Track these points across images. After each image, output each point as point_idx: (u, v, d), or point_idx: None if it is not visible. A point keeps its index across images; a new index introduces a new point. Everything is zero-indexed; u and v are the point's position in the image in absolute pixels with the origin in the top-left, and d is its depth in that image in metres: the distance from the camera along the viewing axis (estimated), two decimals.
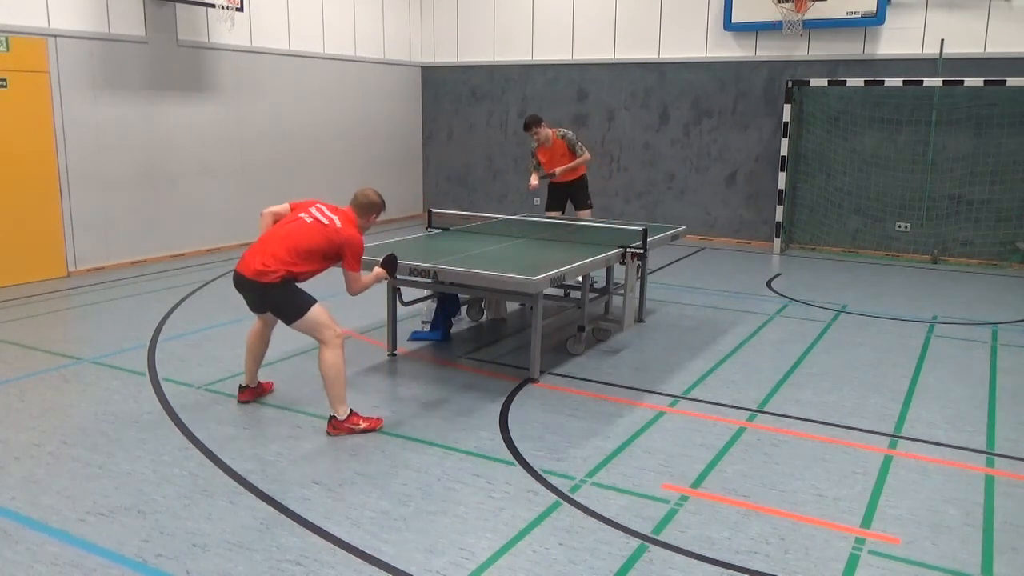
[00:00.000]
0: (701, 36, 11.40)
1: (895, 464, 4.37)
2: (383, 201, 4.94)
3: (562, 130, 8.00)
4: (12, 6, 8.11)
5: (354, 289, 4.74)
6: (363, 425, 4.68)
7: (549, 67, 12.62)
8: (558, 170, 7.89)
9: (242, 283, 4.67)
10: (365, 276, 4.78)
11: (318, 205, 4.79)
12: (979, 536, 3.64)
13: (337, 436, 4.62)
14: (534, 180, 8.06)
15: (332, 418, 4.67)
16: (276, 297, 4.61)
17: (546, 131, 7.87)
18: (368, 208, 4.87)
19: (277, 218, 4.83)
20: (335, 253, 4.64)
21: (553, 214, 8.24)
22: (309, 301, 4.63)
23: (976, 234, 10.16)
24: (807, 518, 3.77)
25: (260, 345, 5.06)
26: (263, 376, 5.34)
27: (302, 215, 4.71)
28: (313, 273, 4.69)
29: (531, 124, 7.86)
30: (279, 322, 4.89)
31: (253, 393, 5.15)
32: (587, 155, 8.00)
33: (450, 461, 4.31)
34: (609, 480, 4.12)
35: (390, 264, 5.00)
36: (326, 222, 4.65)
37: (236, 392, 5.20)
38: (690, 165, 11.82)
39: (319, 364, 4.61)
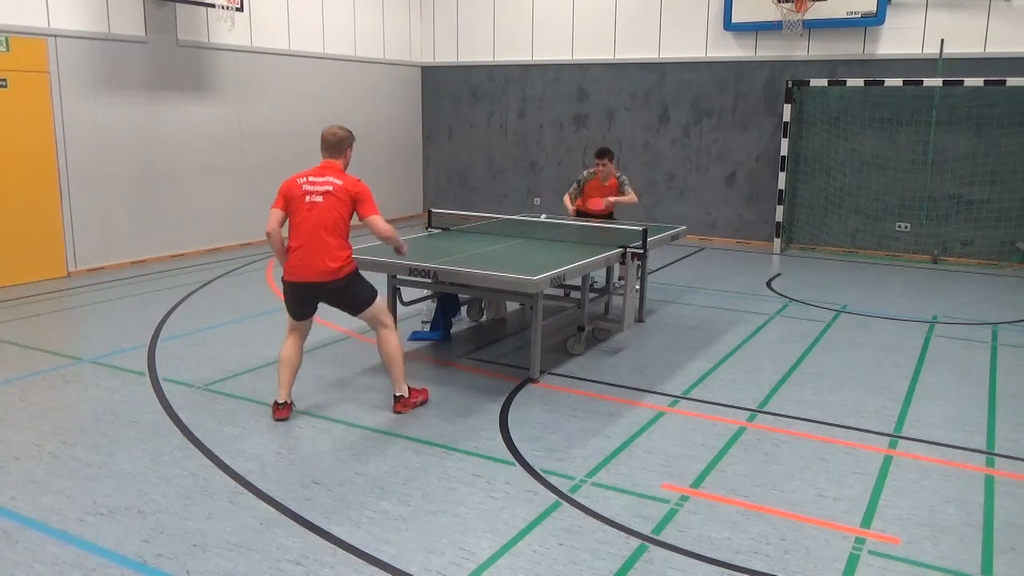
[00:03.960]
0: (701, 36, 11.40)
1: (895, 464, 4.37)
2: (350, 132, 4.87)
3: (619, 172, 7.84)
4: (12, 6, 8.11)
5: (383, 228, 4.76)
6: (420, 398, 5.00)
7: (549, 67, 12.62)
8: (609, 200, 7.62)
9: (314, 290, 4.69)
10: (383, 220, 4.83)
11: (302, 180, 4.68)
12: (979, 536, 3.64)
13: (403, 413, 4.89)
14: (572, 207, 7.86)
15: (400, 398, 4.88)
16: (354, 288, 4.77)
17: (611, 167, 7.68)
18: (339, 144, 4.79)
19: (279, 222, 4.75)
20: (354, 210, 4.73)
21: None
22: (375, 290, 4.91)
23: (976, 234, 10.16)
24: (807, 518, 3.77)
25: (298, 357, 4.91)
26: (260, 378, 5.34)
27: (307, 199, 4.64)
28: None
29: (606, 154, 7.62)
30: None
31: (290, 409, 4.91)
32: (634, 197, 7.71)
33: (450, 461, 4.31)
34: (609, 480, 4.12)
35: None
36: (329, 188, 4.65)
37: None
38: (690, 165, 11.82)
39: (385, 347, 4.86)
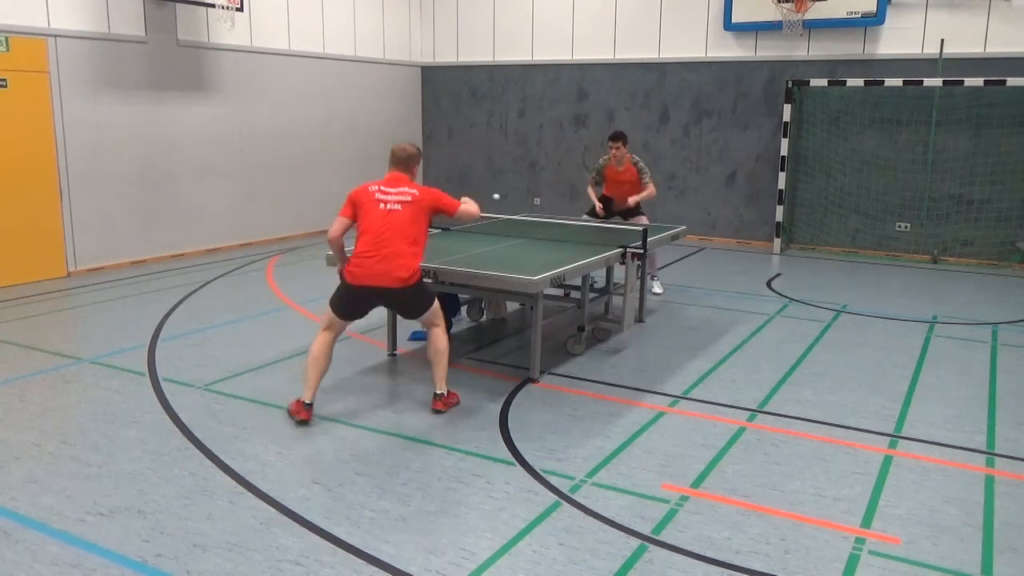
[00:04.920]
0: (701, 36, 11.40)
1: (895, 464, 4.37)
2: (419, 150, 5.11)
3: (635, 156, 7.89)
4: (12, 6, 8.10)
5: (474, 210, 5.08)
6: (455, 400, 5.05)
7: (549, 67, 12.62)
8: (632, 200, 7.72)
9: (379, 294, 4.77)
10: (465, 204, 5.06)
11: (374, 189, 4.81)
12: (979, 536, 3.64)
13: (443, 412, 4.91)
14: (599, 204, 7.96)
15: (440, 396, 4.91)
16: (418, 297, 4.86)
17: (625, 151, 7.76)
18: (408, 160, 4.99)
19: (345, 230, 4.87)
20: (436, 214, 4.91)
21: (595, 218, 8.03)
22: (434, 296, 5.02)
23: (976, 234, 10.16)
24: (807, 518, 3.77)
25: (327, 359, 4.87)
26: (261, 378, 5.33)
27: (381, 206, 4.75)
28: None
29: (619, 138, 7.71)
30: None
31: (311, 411, 4.80)
32: (652, 190, 7.78)
33: (450, 461, 4.31)
34: (609, 480, 4.12)
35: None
36: (408, 198, 4.78)
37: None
38: (690, 165, 11.82)
39: (435, 343, 4.95)
